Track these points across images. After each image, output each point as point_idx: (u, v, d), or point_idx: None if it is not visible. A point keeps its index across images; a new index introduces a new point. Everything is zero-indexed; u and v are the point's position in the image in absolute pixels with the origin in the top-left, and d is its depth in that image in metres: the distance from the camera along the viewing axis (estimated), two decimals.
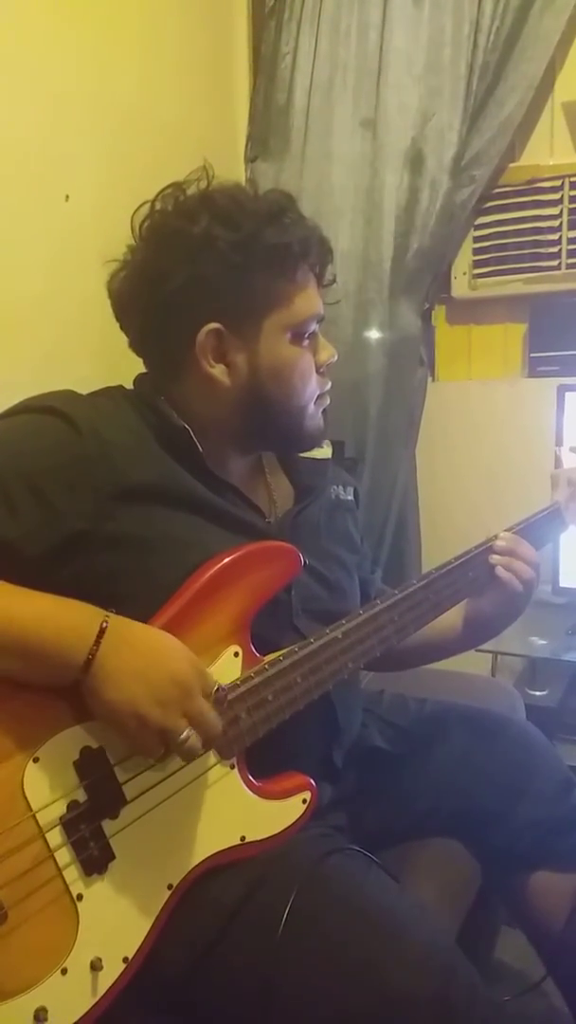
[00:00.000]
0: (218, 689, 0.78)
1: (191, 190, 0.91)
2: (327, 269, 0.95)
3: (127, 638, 0.75)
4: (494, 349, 1.86)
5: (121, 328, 0.95)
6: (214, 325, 0.88)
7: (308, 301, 0.92)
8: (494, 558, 1.03)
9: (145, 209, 0.92)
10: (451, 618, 1.08)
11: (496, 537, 1.05)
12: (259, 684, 0.83)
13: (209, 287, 0.87)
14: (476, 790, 1.05)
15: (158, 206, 0.92)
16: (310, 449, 1.01)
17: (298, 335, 0.91)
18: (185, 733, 0.74)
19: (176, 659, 0.75)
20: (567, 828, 1.03)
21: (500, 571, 1.02)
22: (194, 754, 0.76)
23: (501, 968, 1.32)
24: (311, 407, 0.95)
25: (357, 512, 1.12)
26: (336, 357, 0.97)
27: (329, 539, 1.03)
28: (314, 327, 0.93)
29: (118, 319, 0.95)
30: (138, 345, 0.95)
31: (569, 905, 1.00)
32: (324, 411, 0.98)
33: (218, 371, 0.89)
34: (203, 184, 0.91)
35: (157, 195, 0.92)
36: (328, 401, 0.98)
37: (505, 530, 1.06)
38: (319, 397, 0.96)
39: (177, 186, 0.92)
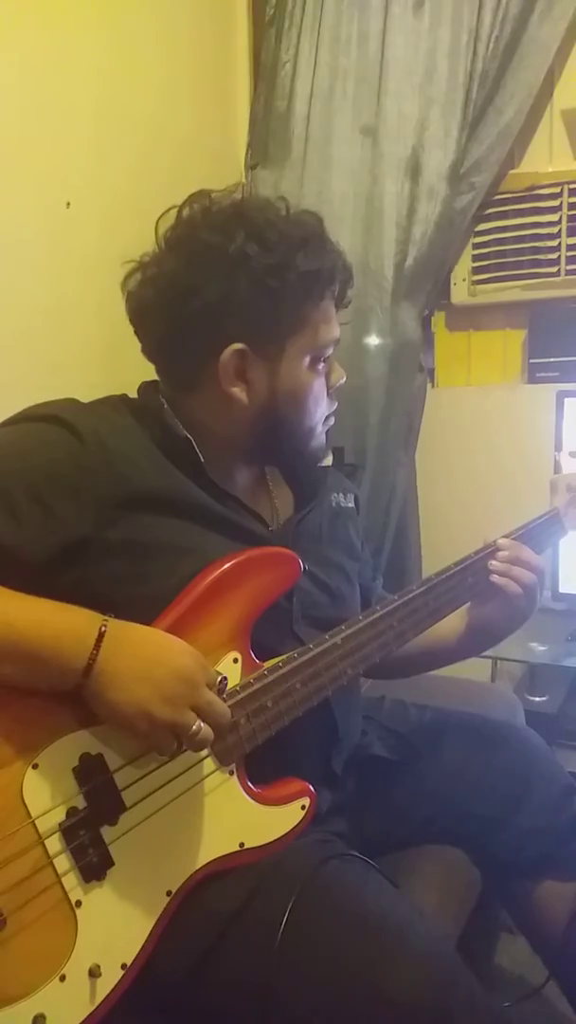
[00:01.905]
0: (220, 680, 0.78)
1: (222, 201, 0.90)
2: (347, 293, 0.96)
3: (127, 640, 0.75)
4: (494, 355, 1.86)
5: (136, 333, 0.94)
6: (239, 346, 0.88)
7: (329, 328, 0.92)
8: (492, 564, 1.03)
9: (171, 216, 0.91)
10: (453, 624, 1.08)
11: (496, 542, 1.05)
12: (258, 690, 0.83)
13: (240, 308, 0.87)
14: (476, 797, 1.05)
15: (185, 214, 0.91)
16: (312, 466, 1.01)
17: (316, 359, 0.92)
18: (196, 725, 0.74)
19: (177, 654, 0.76)
20: (568, 836, 1.03)
21: (496, 577, 1.03)
22: (206, 744, 0.77)
23: (501, 974, 1.32)
24: (319, 428, 0.96)
25: (358, 519, 1.12)
26: (345, 379, 0.97)
27: (330, 546, 1.03)
28: (330, 351, 0.94)
29: (134, 323, 0.94)
30: (154, 353, 0.94)
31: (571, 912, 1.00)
32: (328, 430, 0.99)
33: (237, 390, 0.90)
34: (236, 196, 0.91)
35: (184, 202, 0.91)
36: (333, 421, 0.99)
37: (504, 535, 1.07)
38: (326, 418, 0.97)
39: (205, 194, 0.91)
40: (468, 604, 1.07)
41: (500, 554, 1.04)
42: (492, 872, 1.10)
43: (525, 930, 1.10)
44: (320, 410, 0.95)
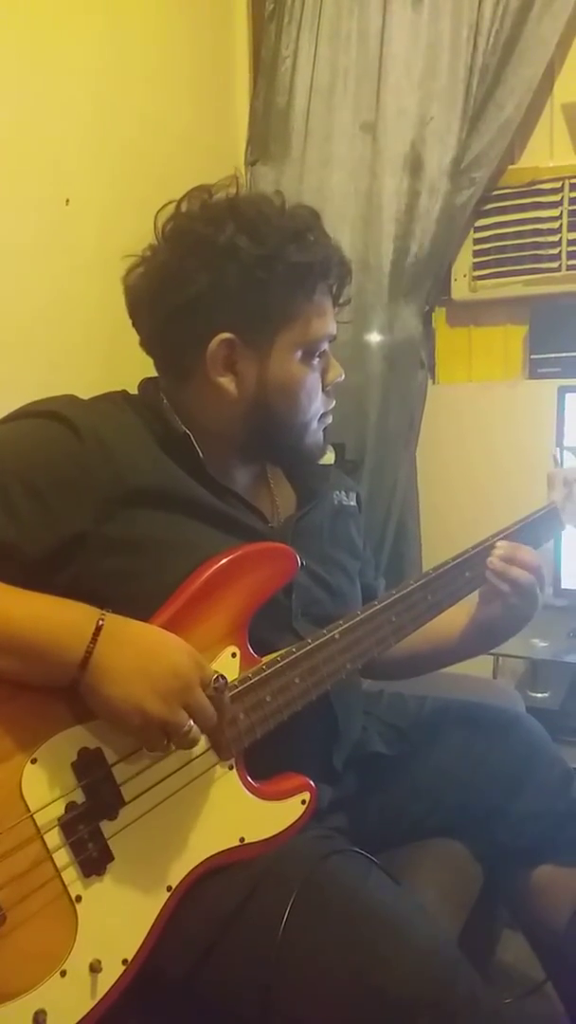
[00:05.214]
0: (217, 678, 0.79)
1: (218, 195, 0.91)
2: (344, 290, 0.96)
3: (124, 635, 0.75)
4: (494, 351, 1.86)
5: (133, 325, 0.95)
6: (227, 335, 0.88)
7: (322, 322, 0.92)
8: (490, 562, 1.02)
9: (170, 209, 0.92)
10: (458, 622, 1.07)
11: (494, 537, 1.05)
12: (256, 684, 0.83)
13: (227, 297, 0.87)
14: (475, 783, 1.05)
15: (184, 207, 0.92)
16: (308, 464, 1.01)
17: (309, 354, 0.92)
18: (187, 725, 0.74)
19: (174, 652, 0.76)
20: (567, 821, 1.03)
21: (490, 575, 1.01)
22: (194, 744, 0.77)
23: (502, 971, 1.32)
24: (313, 424, 0.96)
25: (360, 518, 1.12)
26: (343, 377, 0.97)
27: (331, 544, 1.03)
28: (325, 347, 0.94)
29: (131, 315, 0.95)
30: (149, 344, 0.95)
31: (571, 902, 1.00)
32: (325, 428, 0.98)
33: (226, 380, 0.90)
34: (232, 191, 0.91)
35: (183, 196, 0.92)
36: (331, 419, 0.99)
37: (501, 530, 1.06)
38: (323, 415, 0.97)
39: (204, 189, 0.92)
40: (476, 603, 1.06)
41: (496, 552, 1.02)
42: (492, 861, 1.10)
43: (523, 924, 1.10)
44: (314, 406, 0.94)
